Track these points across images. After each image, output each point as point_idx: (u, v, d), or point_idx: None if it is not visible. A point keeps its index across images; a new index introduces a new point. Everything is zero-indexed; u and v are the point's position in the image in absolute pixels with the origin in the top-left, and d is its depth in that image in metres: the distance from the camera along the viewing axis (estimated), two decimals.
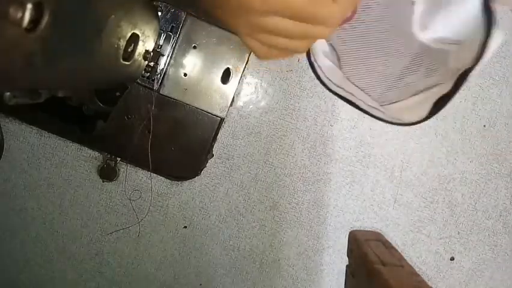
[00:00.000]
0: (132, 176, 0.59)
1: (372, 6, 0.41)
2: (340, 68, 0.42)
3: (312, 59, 0.40)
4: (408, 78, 0.40)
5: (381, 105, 0.40)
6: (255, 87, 0.59)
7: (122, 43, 0.37)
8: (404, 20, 0.39)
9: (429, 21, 0.36)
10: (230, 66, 0.56)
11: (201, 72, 0.55)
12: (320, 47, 0.40)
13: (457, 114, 0.63)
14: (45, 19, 0.22)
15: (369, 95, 0.41)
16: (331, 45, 0.41)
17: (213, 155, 0.59)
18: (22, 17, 0.20)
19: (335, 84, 0.40)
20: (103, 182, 0.59)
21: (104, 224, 0.61)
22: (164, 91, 0.55)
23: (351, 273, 0.33)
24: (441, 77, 0.38)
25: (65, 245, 0.61)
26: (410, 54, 0.40)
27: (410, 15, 0.38)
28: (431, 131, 0.63)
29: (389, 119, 0.39)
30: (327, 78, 0.40)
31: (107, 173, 0.58)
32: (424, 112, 0.36)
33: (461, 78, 0.32)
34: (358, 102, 0.40)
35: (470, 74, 0.31)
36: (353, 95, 0.40)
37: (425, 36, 0.37)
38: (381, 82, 0.41)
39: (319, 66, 0.40)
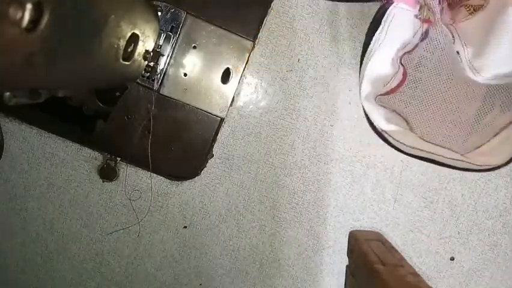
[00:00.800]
0: (132, 176, 0.59)
1: (424, 63, 0.41)
2: (412, 130, 0.41)
3: (379, 128, 0.39)
4: (485, 119, 0.39)
5: (464, 155, 0.38)
6: (255, 87, 0.59)
7: (122, 43, 0.37)
8: (459, 68, 0.38)
9: (479, 64, 0.35)
10: (230, 66, 0.56)
11: (201, 72, 0.55)
12: (380, 115, 0.40)
13: None
14: (45, 19, 0.22)
15: (451, 148, 0.40)
16: (394, 111, 0.41)
17: (213, 155, 0.59)
18: (22, 17, 0.20)
19: (408, 146, 0.39)
20: (103, 182, 0.59)
21: (104, 224, 0.61)
22: (164, 91, 0.55)
23: (351, 273, 0.33)
24: None
25: (65, 245, 0.61)
26: (479, 95, 0.40)
27: (459, 63, 0.37)
28: None
29: (477, 168, 0.37)
30: (398, 141, 0.39)
31: (107, 173, 0.58)
32: (509, 150, 0.34)
33: None
34: (438, 158, 0.39)
35: None
36: (431, 152, 0.39)
37: (480, 78, 0.37)
38: (459, 131, 0.40)
39: (385, 131, 0.39)
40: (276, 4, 0.56)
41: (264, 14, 0.56)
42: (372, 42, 0.36)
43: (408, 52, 0.42)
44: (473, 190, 0.65)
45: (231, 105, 0.57)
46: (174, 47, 0.54)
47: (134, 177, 0.59)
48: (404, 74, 0.42)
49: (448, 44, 0.39)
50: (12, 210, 0.60)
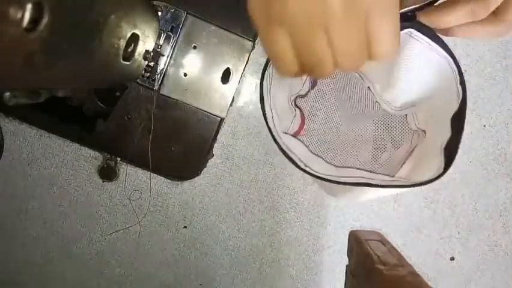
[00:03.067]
0: (132, 176, 0.59)
1: (314, 112, 0.41)
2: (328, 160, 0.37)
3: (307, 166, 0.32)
4: (382, 158, 0.39)
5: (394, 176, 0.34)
6: (255, 87, 0.59)
7: (122, 43, 0.37)
8: (366, 105, 0.38)
9: (388, 96, 0.34)
10: (230, 66, 0.56)
11: (201, 72, 0.55)
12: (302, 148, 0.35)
13: None
14: (45, 19, 0.22)
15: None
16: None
17: (213, 155, 0.59)
18: (22, 17, 0.20)
19: (340, 176, 0.33)
20: (103, 182, 0.59)
21: (104, 224, 0.61)
22: (164, 91, 0.55)
23: (351, 273, 0.33)
24: (410, 140, 0.37)
25: (65, 245, 0.61)
26: (370, 137, 0.39)
27: (371, 99, 0.37)
28: None
29: (411, 183, 0.32)
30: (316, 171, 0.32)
31: (107, 173, 0.58)
32: (436, 165, 0.30)
33: (456, 121, 0.28)
34: (370, 181, 0.33)
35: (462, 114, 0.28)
36: (362, 177, 0.34)
37: (389, 108, 0.35)
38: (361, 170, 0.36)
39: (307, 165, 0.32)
40: None
41: None
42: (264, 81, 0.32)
43: (302, 96, 0.40)
44: (473, 190, 0.65)
45: (231, 105, 0.57)
46: (174, 47, 0.54)
47: (134, 177, 0.59)
48: (302, 117, 0.41)
49: (354, 83, 0.38)
50: (13, 210, 0.60)
